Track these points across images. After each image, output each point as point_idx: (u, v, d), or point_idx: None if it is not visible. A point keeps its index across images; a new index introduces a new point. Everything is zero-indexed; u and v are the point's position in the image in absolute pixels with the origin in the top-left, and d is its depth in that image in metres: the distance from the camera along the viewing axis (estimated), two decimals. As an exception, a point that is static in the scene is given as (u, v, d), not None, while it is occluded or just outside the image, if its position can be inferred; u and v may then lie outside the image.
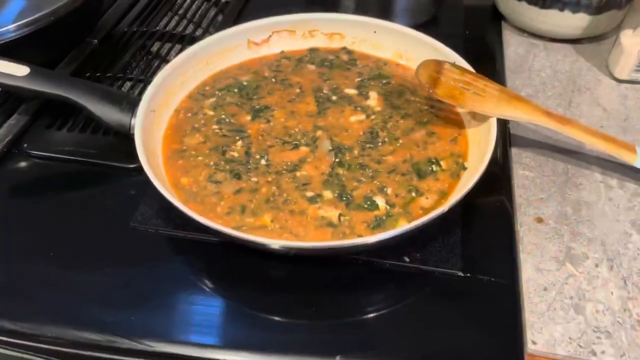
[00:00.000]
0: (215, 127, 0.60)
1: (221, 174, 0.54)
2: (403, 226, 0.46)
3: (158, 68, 0.72)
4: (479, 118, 0.58)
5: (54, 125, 0.62)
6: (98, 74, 0.69)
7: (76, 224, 0.53)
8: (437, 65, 0.58)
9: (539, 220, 0.54)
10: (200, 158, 0.56)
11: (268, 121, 0.60)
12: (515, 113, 0.55)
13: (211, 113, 0.61)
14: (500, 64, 0.73)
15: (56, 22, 0.65)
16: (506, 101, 0.56)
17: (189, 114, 0.61)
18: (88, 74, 0.69)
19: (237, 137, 0.58)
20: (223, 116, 0.61)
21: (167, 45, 0.76)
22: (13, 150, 0.60)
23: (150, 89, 0.58)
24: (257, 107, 0.62)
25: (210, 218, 0.50)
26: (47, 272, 0.49)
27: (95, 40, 0.74)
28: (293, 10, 0.70)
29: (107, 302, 0.47)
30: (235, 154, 0.56)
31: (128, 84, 0.69)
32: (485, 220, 0.53)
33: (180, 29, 0.78)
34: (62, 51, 0.71)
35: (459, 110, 0.60)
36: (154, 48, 0.76)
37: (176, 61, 0.62)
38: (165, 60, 0.73)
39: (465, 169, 0.55)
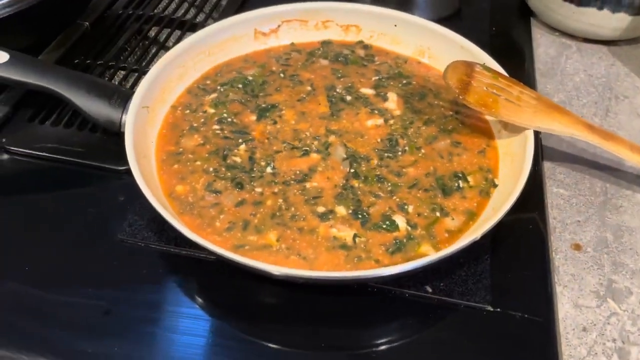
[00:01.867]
0: (216, 127, 0.53)
1: (221, 183, 0.48)
2: (427, 256, 0.41)
3: (155, 56, 0.65)
4: (511, 128, 0.51)
5: (37, 118, 0.56)
6: (88, 61, 0.63)
7: (56, 234, 0.47)
8: (467, 67, 0.51)
9: (577, 247, 0.48)
10: (198, 163, 0.50)
11: (275, 122, 0.54)
12: (553, 125, 0.49)
13: (212, 111, 0.55)
14: (530, 65, 0.66)
15: (42, 1, 0.58)
16: (544, 112, 0.50)
17: (187, 111, 0.55)
18: (77, 61, 0.63)
19: (241, 140, 0.52)
20: (225, 115, 0.54)
21: (166, 31, 0.69)
22: (-10, 145, 0.54)
23: (144, 82, 0.52)
24: (263, 105, 0.55)
25: (208, 234, 0.45)
26: (19, 291, 0.43)
27: (87, 23, 0.67)
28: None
29: (87, 329, 0.41)
30: (238, 160, 0.50)
31: (121, 73, 0.63)
32: (516, 244, 0.48)
33: (180, 13, 0.71)
34: (49, 34, 0.65)
35: (488, 117, 0.54)
36: (151, 33, 0.69)
37: (174, 51, 0.56)
38: (163, 47, 0.67)
39: (495, 186, 0.49)
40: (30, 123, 0.56)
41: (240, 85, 0.57)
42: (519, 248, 0.47)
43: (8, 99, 0.56)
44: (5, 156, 0.53)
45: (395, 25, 0.62)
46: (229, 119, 0.54)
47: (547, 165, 0.55)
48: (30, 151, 0.53)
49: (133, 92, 0.51)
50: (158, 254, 0.46)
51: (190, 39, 0.58)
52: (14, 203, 0.50)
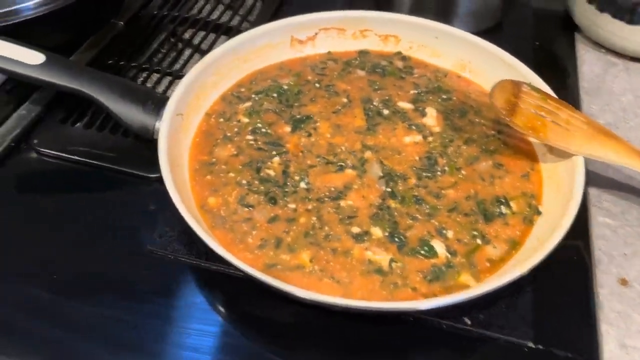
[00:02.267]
0: (249, 137, 0.52)
1: (254, 197, 0.47)
2: (468, 288, 0.39)
3: (189, 59, 0.64)
4: (557, 152, 0.49)
5: (69, 120, 0.55)
6: (122, 63, 0.62)
7: (84, 241, 0.47)
8: (515, 87, 0.49)
9: (623, 282, 0.46)
10: (231, 174, 0.49)
11: (309, 135, 0.52)
12: (605, 154, 0.47)
13: (246, 120, 0.53)
14: (574, 83, 0.64)
15: (78, 0, 0.58)
16: (594, 138, 0.47)
17: (221, 119, 0.54)
18: (110, 62, 0.62)
19: (274, 152, 0.51)
20: (259, 125, 0.53)
21: (201, 34, 0.68)
22: (21, 146, 0.53)
23: (179, 89, 0.51)
24: (298, 116, 0.54)
25: (240, 251, 0.43)
26: (45, 298, 0.42)
27: (121, 23, 0.66)
28: (337, 7, 0.62)
29: (113, 343, 0.40)
30: (272, 173, 0.49)
31: (155, 76, 0.62)
32: (559, 276, 0.45)
33: (215, 15, 0.70)
34: (84, 33, 0.64)
35: (532, 139, 0.52)
36: (186, 35, 0.68)
37: (210, 57, 0.55)
38: (197, 50, 0.66)
39: (539, 213, 0.47)
40: (63, 124, 0.55)
41: (274, 95, 0.56)
42: (563, 280, 0.45)
43: (40, 99, 0.56)
44: (36, 158, 0.53)
45: (436, 37, 0.60)
46: (263, 130, 0.53)
47: (592, 192, 0.52)
48: (60, 154, 0.52)
49: (167, 98, 0.50)
50: (188, 268, 0.45)
51: (227, 44, 0.56)
52: (42, 207, 0.49)
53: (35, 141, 0.53)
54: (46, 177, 0.52)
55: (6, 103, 0.56)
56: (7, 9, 0.55)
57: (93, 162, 0.52)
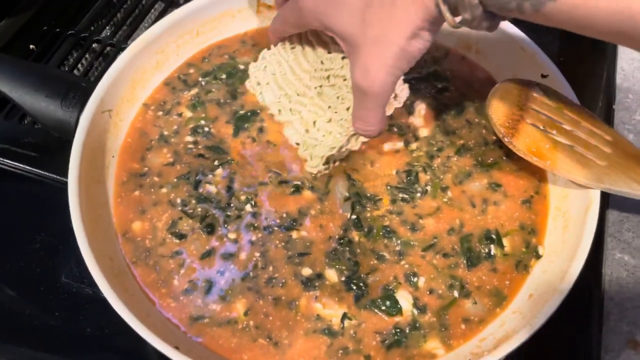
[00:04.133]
0: (189, 139, 0.43)
1: (188, 222, 0.39)
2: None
3: (146, 14, 0.54)
4: (571, 173, 0.39)
5: (-12, 108, 0.47)
6: (58, 29, 0.52)
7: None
8: (522, 93, 0.38)
9: (634, 345, 0.37)
10: (164, 190, 0.40)
11: (254, 140, 0.42)
12: (630, 187, 0.36)
13: (188, 114, 0.44)
14: (610, 72, 0.51)
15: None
16: (619, 166, 0.36)
17: (160, 112, 0.44)
18: (45, 27, 0.52)
19: (217, 162, 0.41)
20: (202, 122, 0.44)
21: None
22: None
23: (106, 79, 0.42)
24: (241, 112, 0.43)
25: (163, 296, 0.36)
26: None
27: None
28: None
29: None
30: (213, 190, 0.40)
31: (96, 47, 0.52)
32: (554, 331, 0.37)
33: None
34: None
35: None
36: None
37: (151, 33, 0.45)
38: (152, 9, 0.55)
39: (538, 257, 0.37)
40: (-20, 113, 0.47)
41: (223, 76, 0.46)
42: (558, 337, 0.37)
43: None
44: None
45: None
46: (206, 128, 0.43)
47: (612, 217, 0.42)
48: (-25, 151, 0.45)
49: (94, 88, 0.41)
50: (108, 306, 0.38)
51: (174, 15, 0.46)
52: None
53: (-54, 135, 0.45)
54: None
55: None
56: None
57: (12, 164, 0.44)
